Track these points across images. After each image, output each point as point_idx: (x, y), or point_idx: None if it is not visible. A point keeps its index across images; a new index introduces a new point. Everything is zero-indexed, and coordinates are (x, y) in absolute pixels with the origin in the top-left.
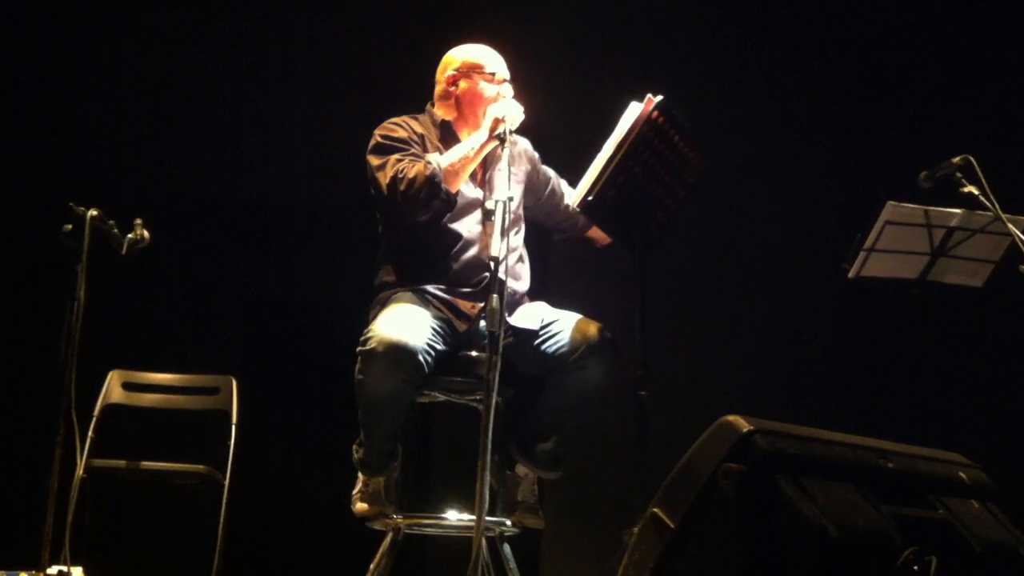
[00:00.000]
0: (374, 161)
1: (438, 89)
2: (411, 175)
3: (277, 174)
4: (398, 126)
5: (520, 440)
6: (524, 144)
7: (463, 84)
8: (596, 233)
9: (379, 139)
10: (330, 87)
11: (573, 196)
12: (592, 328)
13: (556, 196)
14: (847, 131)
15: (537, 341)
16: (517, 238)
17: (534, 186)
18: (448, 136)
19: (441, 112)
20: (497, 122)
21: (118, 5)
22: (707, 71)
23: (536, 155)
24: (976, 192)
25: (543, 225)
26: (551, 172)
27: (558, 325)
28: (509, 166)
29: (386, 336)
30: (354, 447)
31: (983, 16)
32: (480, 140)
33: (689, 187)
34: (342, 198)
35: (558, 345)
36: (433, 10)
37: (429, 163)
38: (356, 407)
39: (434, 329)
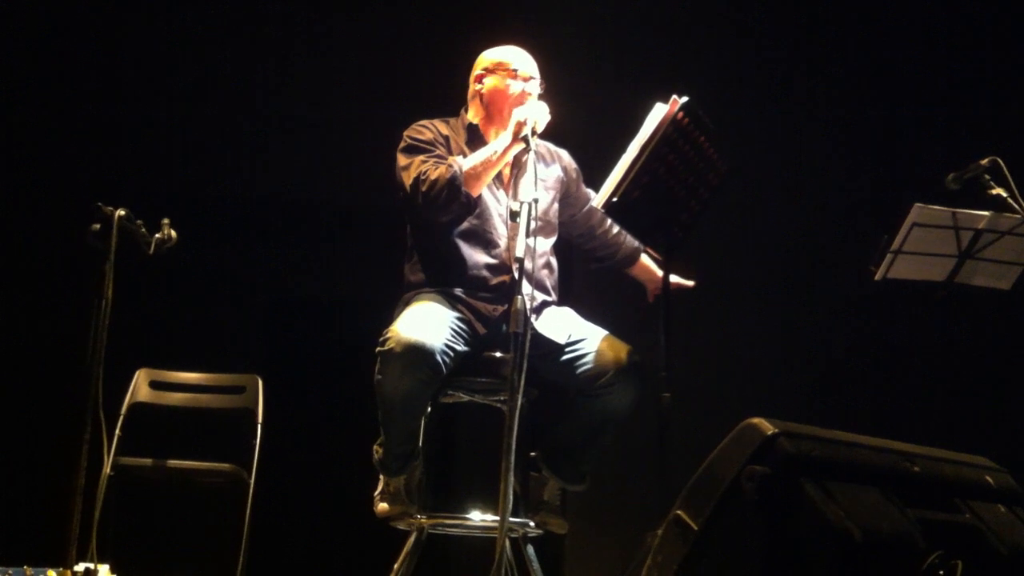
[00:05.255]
0: (401, 161)
1: (469, 92)
2: (433, 177)
3: (304, 174)
4: (425, 128)
5: (546, 454)
6: (565, 156)
7: (487, 82)
8: (641, 273)
9: (407, 140)
10: (359, 87)
11: (598, 197)
12: (621, 352)
13: (594, 218)
14: (870, 131)
15: (564, 357)
16: (545, 243)
17: (570, 199)
18: (475, 139)
19: (470, 114)
20: (520, 125)
21: (147, 4)
22: (732, 72)
23: (578, 169)
24: (1004, 194)
25: (581, 247)
26: (593, 195)
27: (586, 345)
28: (536, 169)
29: (404, 336)
30: (375, 447)
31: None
32: (504, 143)
33: (713, 188)
34: (369, 198)
35: (585, 367)
36: (462, 13)
37: (451, 166)
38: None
39: (454, 330)
